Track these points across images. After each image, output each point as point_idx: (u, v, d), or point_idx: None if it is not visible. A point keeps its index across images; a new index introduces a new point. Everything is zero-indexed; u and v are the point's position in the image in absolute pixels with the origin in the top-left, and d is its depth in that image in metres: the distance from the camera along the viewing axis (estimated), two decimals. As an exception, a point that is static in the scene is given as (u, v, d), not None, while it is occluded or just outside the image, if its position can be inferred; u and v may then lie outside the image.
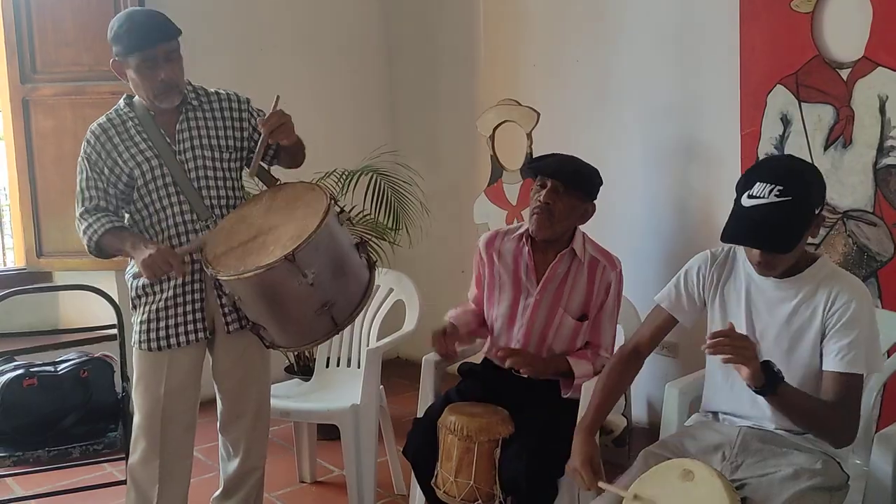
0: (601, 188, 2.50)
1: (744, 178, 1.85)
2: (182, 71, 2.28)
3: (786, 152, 2.96)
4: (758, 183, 1.79)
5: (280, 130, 2.23)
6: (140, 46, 2.17)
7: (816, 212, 1.81)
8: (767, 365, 1.74)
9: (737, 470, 1.87)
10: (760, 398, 1.84)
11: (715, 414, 2.07)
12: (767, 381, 1.72)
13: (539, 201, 2.40)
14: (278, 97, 2.30)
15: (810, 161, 2.87)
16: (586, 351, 2.47)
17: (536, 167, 2.47)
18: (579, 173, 2.44)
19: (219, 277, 2.07)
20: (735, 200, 1.86)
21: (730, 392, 2.00)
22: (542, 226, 2.41)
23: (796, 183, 1.78)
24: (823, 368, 1.85)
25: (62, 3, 3.73)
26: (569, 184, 2.39)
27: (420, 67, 4.58)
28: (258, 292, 2.09)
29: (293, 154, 2.41)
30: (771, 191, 1.76)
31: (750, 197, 1.80)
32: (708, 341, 1.73)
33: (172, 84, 2.23)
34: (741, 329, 1.94)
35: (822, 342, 1.85)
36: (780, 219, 1.76)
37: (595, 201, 2.48)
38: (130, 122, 2.30)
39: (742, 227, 1.81)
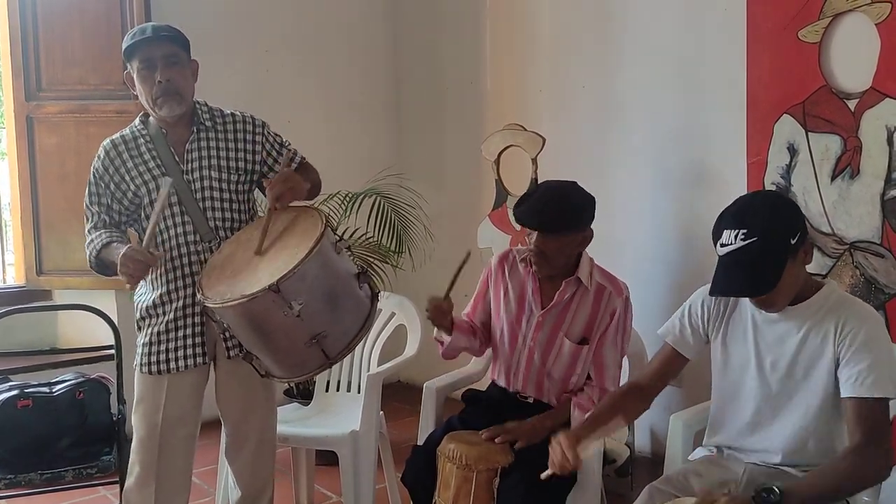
0: (606, 212, 2.46)
1: (715, 227, 1.86)
2: (186, 80, 2.26)
3: (792, 182, 2.95)
4: (725, 230, 1.81)
5: (285, 197, 2.18)
6: (138, 47, 2.21)
7: (792, 241, 1.77)
8: (760, 497, 1.65)
9: (742, 509, 1.82)
10: (764, 431, 1.86)
11: (719, 448, 2.04)
12: None
13: (531, 248, 2.38)
14: (293, 154, 2.29)
15: (817, 189, 2.88)
16: (593, 391, 2.43)
17: (518, 218, 2.41)
18: (561, 218, 2.35)
19: (205, 304, 2.04)
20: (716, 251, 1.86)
21: (733, 424, 1.98)
22: (540, 268, 2.42)
23: (757, 221, 1.77)
24: (842, 395, 1.79)
25: (71, 22, 3.75)
26: (554, 231, 2.35)
27: (427, 91, 4.59)
28: (244, 321, 2.04)
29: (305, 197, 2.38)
30: (737, 235, 1.77)
31: (722, 246, 1.81)
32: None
33: (171, 89, 2.21)
34: (749, 362, 1.93)
35: (836, 371, 1.81)
36: (750, 262, 1.76)
37: (593, 225, 2.43)
38: (142, 140, 2.29)
39: (723, 278, 1.82)
